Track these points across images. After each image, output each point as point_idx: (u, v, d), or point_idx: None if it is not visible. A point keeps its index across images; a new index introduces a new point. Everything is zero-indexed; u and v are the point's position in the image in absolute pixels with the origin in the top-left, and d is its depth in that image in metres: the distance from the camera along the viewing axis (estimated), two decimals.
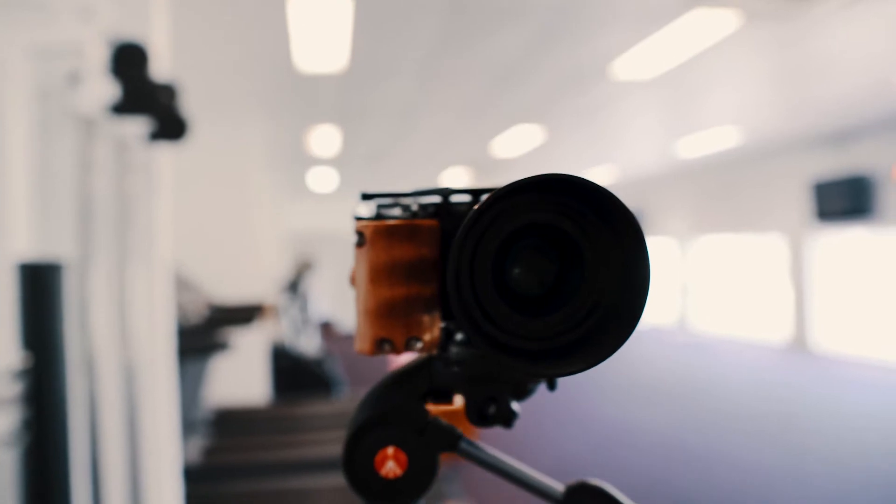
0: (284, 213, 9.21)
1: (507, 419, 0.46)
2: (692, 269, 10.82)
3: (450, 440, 0.45)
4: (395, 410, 0.45)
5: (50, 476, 1.41)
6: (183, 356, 3.18)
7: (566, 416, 5.41)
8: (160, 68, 1.81)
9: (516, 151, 7.34)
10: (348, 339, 10.96)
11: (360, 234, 0.43)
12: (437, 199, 0.46)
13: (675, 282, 11.03)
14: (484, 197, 0.41)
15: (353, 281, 0.46)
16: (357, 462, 0.44)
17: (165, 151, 1.95)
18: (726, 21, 3.41)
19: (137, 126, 1.74)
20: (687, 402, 5.89)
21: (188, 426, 3.46)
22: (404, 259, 0.42)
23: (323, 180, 9.48)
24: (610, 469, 4.15)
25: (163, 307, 2.09)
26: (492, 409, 0.46)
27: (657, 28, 3.52)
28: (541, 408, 5.92)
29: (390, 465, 0.44)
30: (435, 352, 0.45)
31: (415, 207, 0.46)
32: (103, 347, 1.71)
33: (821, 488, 3.68)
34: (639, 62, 4.08)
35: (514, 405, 0.47)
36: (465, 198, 0.46)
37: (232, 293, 4.06)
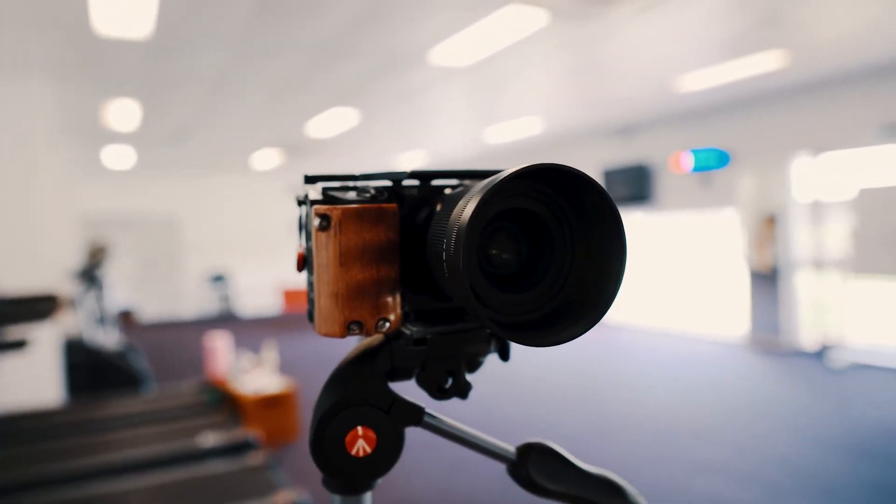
0: (76, 192, 8.31)
1: (464, 391, 0.48)
2: None
3: (415, 415, 0.47)
4: (362, 391, 0.46)
5: None
6: None
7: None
8: None
9: (331, 133, 7.28)
10: (153, 328, 10.20)
11: (324, 217, 0.43)
12: (388, 182, 0.47)
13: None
14: (436, 182, 0.45)
15: (301, 264, 0.46)
16: (327, 445, 0.45)
17: None
18: (536, 18, 3.65)
19: None
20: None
21: None
22: (372, 242, 0.43)
23: (120, 158, 8.68)
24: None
25: None
26: (449, 383, 0.48)
27: (474, 19, 3.68)
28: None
29: (360, 443, 0.45)
30: (391, 332, 0.46)
31: (373, 191, 0.47)
32: None
33: (612, 445, 4.12)
34: (455, 50, 4.23)
35: (468, 377, 0.49)
36: (414, 182, 0.48)
37: (16, 283, 3.62)
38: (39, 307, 3.38)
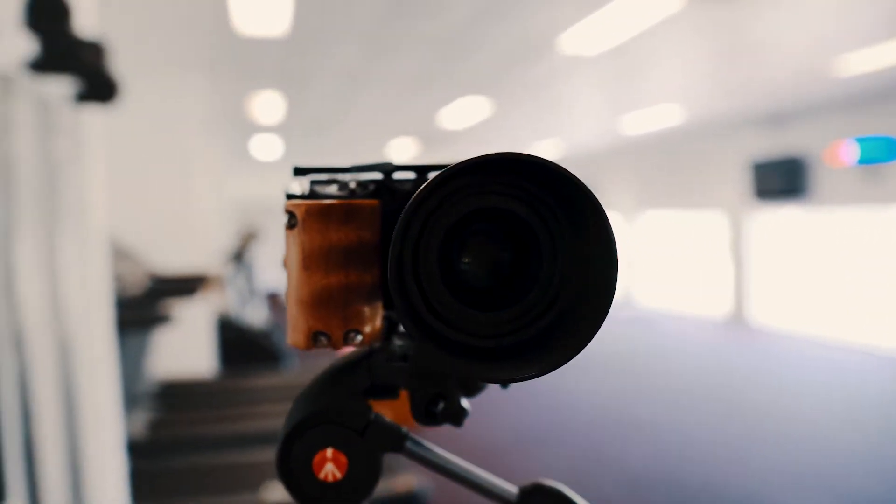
0: (228, 181, 8.97)
1: (457, 417, 0.42)
2: (637, 244, 11.06)
3: (394, 440, 0.42)
4: (334, 408, 0.41)
5: None
6: (123, 328, 3.09)
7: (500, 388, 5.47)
8: (86, 24, 1.71)
9: (463, 123, 7.31)
10: None
11: (290, 213, 0.39)
12: (378, 175, 0.42)
13: (621, 256, 11.26)
14: (432, 175, 0.38)
15: (285, 265, 0.42)
16: (293, 464, 0.40)
17: (95, 114, 1.85)
18: (671, 0, 3.44)
19: (62, 86, 1.65)
20: (630, 376, 6.06)
21: (131, 400, 3.37)
22: (341, 243, 0.38)
23: (267, 148, 9.26)
24: (551, 437, 4.24)
25: (98, 278, 2.00)
26: (440, 407, 0.42)
27: (604, 3, 3.53)
28: None
29: (329, 467, 0.40)
30: (377, 344, 0.42)
31: (353, 185, 0.42)
32: (33, 320, 1.64)
33: (761, 455, 3.85)
34: (585, 37, 4.09)
35: (465, 403, 0.43)
36: (410, 175, 0.42)
37: (174, 264, 3.95)
38: (189, 285, 3.67)
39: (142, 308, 3.35)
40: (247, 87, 5.46)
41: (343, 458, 0.40)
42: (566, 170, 0.32)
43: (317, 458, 0.40)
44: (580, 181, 0.32)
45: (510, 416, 4.69)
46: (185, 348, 4.41)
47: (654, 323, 9.12)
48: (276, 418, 3.27)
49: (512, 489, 0.43)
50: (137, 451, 2.67)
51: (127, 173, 3.90)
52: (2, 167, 1.54)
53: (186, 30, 3.82)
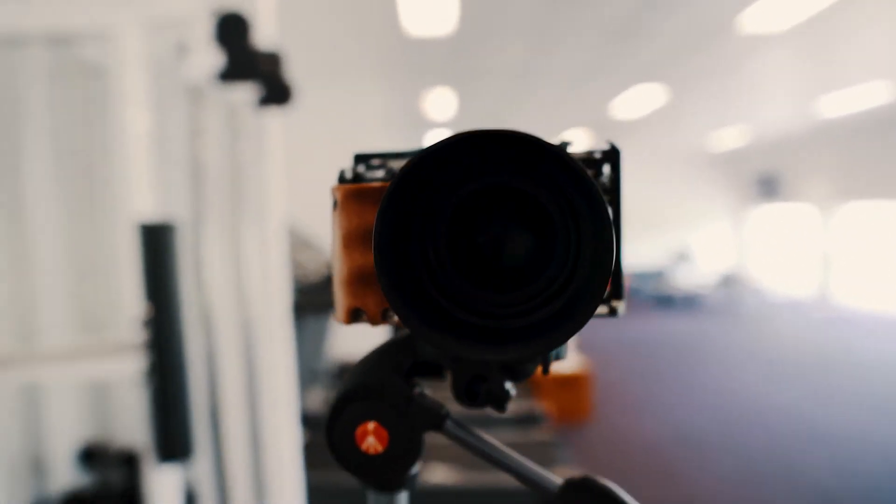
0: None
1: (499, 401, 0.41)
2: (834, 238, 9.99)
3: (434, 419, 0.42)
4: (376, 383, 0.42)
5: (173, 416, 1.56)
6: (303, 312, 3.37)
7: (690, 386, 5.23)
8: (267, 36, 1.88)
9: (638, 113, 7.04)
10: None
11: (334, 196, 0.41)
12: None
13: (815, 252, 10.25)
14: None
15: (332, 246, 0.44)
16: (338, 433, 0.42)
17: (275, 116, 2.03)
18: None
19: (245, 93, 1.83)
20: (824, 380, 5.52)
21: (311, 377, 3.68)
22: None
23: None
24: (734, 445, 3.99)
25: (277, 265, 2.19)
26: (483, 389, 0.41)
27: None
28: (663, 375, 5.74)
29: (371, 440, 0.41)
30: None
31: (395, 170, 0.43)
32: (219, 301, 1.85)
33: None
34: (769, 13, 3.76)
35: (509, 385, 0.42)
36: None
37: None
38: None
39: (321, 293, 3.63)
40: (419, 86, 5.68)
41: (384, 433, 0.41)
42: (549, 143, 0.31)
43: (359, 430, 0.41)
44: (566, 155, 0.32)
45: (688, 417, 4.48)
46: (364, 332, 4.68)
47: (855, 324, 8.20)
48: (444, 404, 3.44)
49: (556, 480, 0.42)
50: (314, 424, 2.90)
51: (308, 170, 4.23)
52: (193, 168, 1.75)
53: (359, 36, 4.07)
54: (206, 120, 1.77)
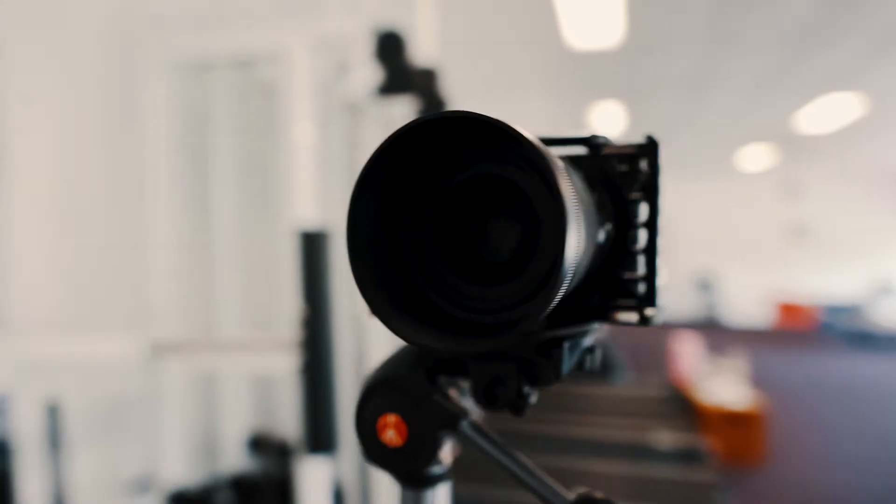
0: None
1: (516, 406, 0.39)
2: None
3: (449, 419, 0.41)
4: (398, 378, 0.42)
5: (321, 411, 1.66)
6: None
7: (886, 442, 4.65)
8: (426, 53, 1.96)
9: (829, 126, 6.41)
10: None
11: None
12: None
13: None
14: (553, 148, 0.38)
15: None
16: (363, 422, 0.42)
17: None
18: None
19: (402, 107, 1.91)
20: None
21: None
22: None
23: None
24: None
25: None
26: (501, 391, 0.40)
27: None
28: (856, 423, 5.08)
29: (391, 433, 0.42)
30: None
31: None
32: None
33: None
34: None
35: (528, 390, 0.40)
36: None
37: None
38: None
39: None
40: (585, 99, 5.60)
41: (403, 427, 0.41)
42: (492, 118, 0.29)
43: (380, 422, 0.42)
44: (510, 129, 0.29)
45: (884, 477, 3.97)
46: None
47: None
48: (601, 429, 3.28)
49: (568, 496, 0.39)
50: None
51: None
52: (352, 179, 1.85)
53: (523, 50, 4.09)
54: (363, 133, 1.87)
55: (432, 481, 0.43)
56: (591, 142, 0.39)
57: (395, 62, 1.80)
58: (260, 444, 2.06)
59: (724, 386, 4.08)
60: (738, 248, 10.80)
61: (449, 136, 0.32)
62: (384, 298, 0.33)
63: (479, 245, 0.35)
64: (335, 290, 1.82)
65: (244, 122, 2.00)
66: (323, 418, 1.66)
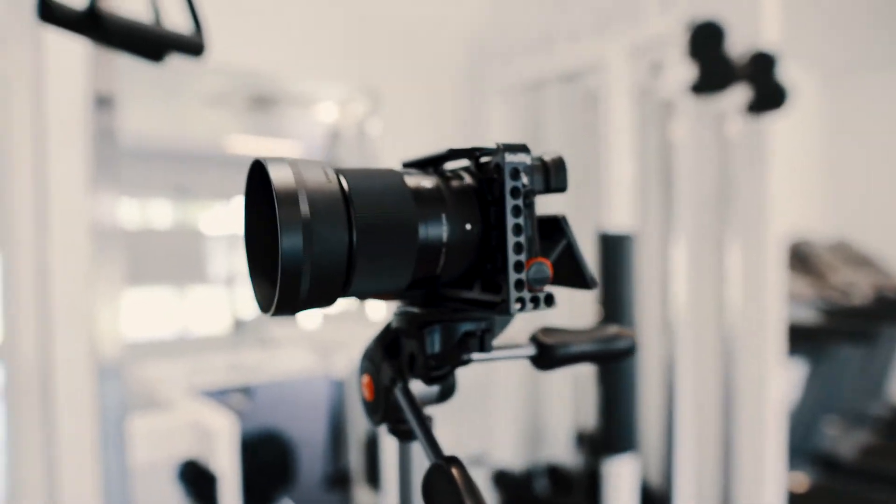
0: None
1: (423, 375, 0.47)
2: None
3: (391, 382, 0.49)
4: (372, 350, 0.52)
5: (620, 412, 1.68)
6: (834, 337, 2.94)
7: None
8: (765, 38, 1.77)
9: None
10: None
11: None
12: (465, 161, 0.45)
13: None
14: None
15: None
16: (359, 383, 0.54)
17: (770, 121, 1.88)
18: None
19: (731, 100, 1.77)
20: None
21: (856, 418, 3.17)
22: None
23: None
24: None
25: (773, 284, 2.00)
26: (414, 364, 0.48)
27: None
28: None
29: (365, 391, 0.52)
30: None
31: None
32: (684, 314, 1.82)
33: None
34: None
35: (433, 363, 0.46)
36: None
37: None
38: None
39: (865, 319, 3.09)
40: None
41: (372, 386, 0.51)
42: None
43: (363, 381, 0.52)
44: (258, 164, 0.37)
45: None
46: None
47: None
48: None
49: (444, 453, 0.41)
50: (844, 471, 2.55)
51: (854, 180, 3.65)
52: (664, 180, 1.79)
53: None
54: (677, 132, 1.79)
55: (403, 436, 0.52)
56: (473, 153, 0.43)
57: (711, 55, 1.69)
58: (582, 439, 2.14)
59: None
60: None
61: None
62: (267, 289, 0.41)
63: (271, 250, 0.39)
64: (640, 292, 1.79)
65: (573, 131, 2.09)
66: (620, 419, 1.67)
